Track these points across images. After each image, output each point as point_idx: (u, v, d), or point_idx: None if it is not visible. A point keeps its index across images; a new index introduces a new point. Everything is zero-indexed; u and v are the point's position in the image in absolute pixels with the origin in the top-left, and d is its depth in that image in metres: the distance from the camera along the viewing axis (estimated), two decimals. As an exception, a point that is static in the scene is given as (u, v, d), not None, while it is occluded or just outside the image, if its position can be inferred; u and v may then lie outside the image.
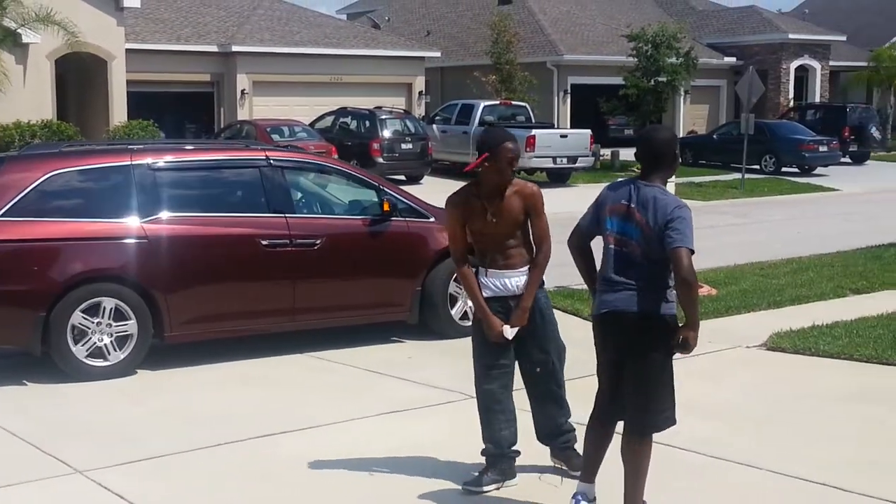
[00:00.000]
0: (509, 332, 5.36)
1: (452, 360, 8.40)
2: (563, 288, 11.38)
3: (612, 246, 4.79)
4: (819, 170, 29.64)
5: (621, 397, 4.82)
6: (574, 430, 5.64)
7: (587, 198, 19.01)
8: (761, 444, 6.13)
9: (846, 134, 32.22)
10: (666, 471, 5.35)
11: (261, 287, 8.39)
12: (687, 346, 4.68)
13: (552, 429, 5.64)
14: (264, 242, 8.30)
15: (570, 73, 34.80)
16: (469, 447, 6.14)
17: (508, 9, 35.81)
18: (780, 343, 8.64)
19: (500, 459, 5.49)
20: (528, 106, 28.71)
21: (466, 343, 8.90)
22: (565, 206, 21.95)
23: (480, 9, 39.06)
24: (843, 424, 6.56)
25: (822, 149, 29.53)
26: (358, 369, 8.09)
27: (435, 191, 21.86)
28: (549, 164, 25.48)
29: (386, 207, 8.84)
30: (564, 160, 25.40)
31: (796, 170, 29.64)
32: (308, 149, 18.42)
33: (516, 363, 5.57)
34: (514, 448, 5.53)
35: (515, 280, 5.36)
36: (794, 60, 38.68)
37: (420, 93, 32.09)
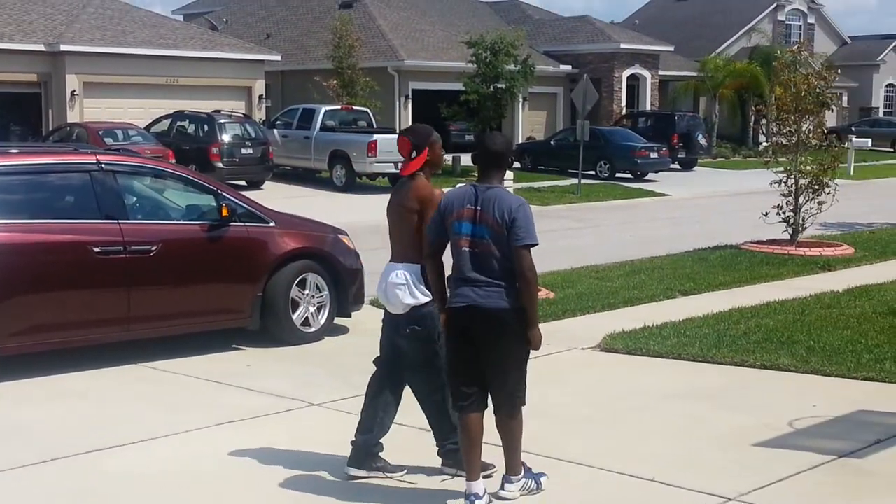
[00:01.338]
0: None
1: (293, 367, 8.34)
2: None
3: (465, 248, 5.07)
4: (650, 175, 30.77)
5: (482, 384, 5.17)
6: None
7: (428, 203, 18.49)
8: (592, 442, 6.32)
9: (675, 141, 33.56)
10: (500, 470, 5.44)
11: (93, 296, 8.10)
12: (530, 344, 5.09)
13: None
14: (96, 249, 8.03)
15: (410, 78, 35.02)
16: (309, 455, 6.11)
17: (349, 13, 35.76)
18: (614, 344, 8.94)
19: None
20: (369, 111, 28.73)
21: (308, 350, 8.94)
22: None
23: (321, 12, 38.84)
24: (669, 421, 6.83)
25: (653, 155, 30.66)
26: (195, 379, 7.92)
27: (276, 196, 21.69)
28: (390, 168, 25.53)
29: (225, 212, 8.68)
30: (406, 165, 25.50)
31: (629, 175, 30.69)
32: (143, 153, 17.87)
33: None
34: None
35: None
36: (626, 69, 40.06)
37: (260, 97, 31.65)
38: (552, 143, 32.84)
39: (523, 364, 5.21)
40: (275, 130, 27.71)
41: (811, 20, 52.84)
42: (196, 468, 5.89)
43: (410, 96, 35.07)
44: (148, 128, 25.65)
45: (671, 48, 42.13)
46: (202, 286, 8.68)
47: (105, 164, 8.44)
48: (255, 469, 5.88)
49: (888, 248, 15.41)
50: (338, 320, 9.55)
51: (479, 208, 5.03)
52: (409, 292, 5.46)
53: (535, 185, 26.82)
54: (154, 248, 8.30)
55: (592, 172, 30.00)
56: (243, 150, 24.85)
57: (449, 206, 5.14)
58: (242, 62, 31.30)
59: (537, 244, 5.01)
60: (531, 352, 5.19)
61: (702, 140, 35.52)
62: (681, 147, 33.98)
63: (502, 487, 5.35)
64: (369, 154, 24.97)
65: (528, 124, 38.65)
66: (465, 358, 5.18)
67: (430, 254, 5.29)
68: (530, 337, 5.08)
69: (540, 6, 48.22)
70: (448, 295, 5.23)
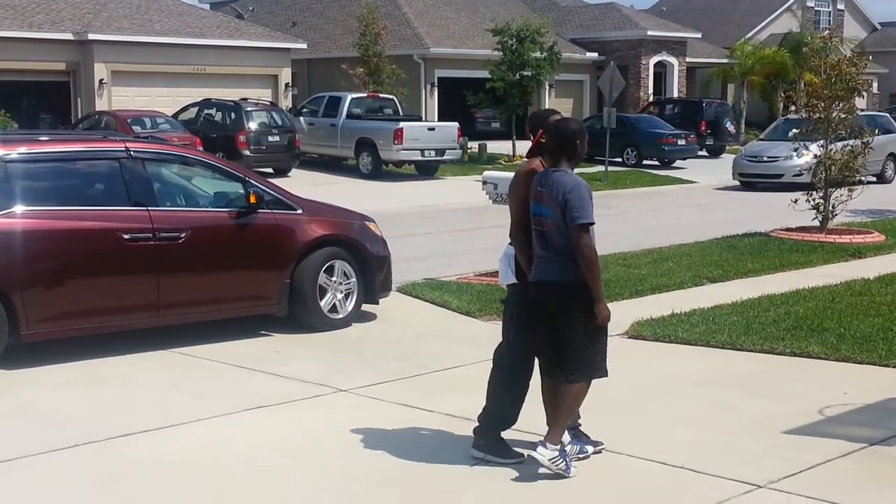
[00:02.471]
0: None
1: (321, 353, 8.36)
2: (431, 280, 11.47)
3: (533, 227, 5.50)
4: (678, 163, 30.61)
5: (548, 353, 5.56)
6: None
7: (454, 190, 19.41)
8: (623, 429, 6.30)
9: (703, 128, 33.36)
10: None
11: (123, 282, 8.15)
12: (597, 319, 5.37)
13: None
14: (126, 236, 8.07)
15: (436, 66, 34.98)
16: (338, 440, 6.13)
17: (375, 1, 35.73)
18: (642, 331, 8.90)
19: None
20: (395, 99, 28.74)
21: (335, 336, 8.96)
22: (432, 199, 22.15)
23: (347, 1, 38.83)
24: (699, 409, 6.79)
25: (681, 142, 30.51)
26: (224, 364, 7.96)
27: (303, 183, 21.74)
28: (417, 156, 25.59)
29: (252, 199, 8.71)
30: (432, 153, 25.56)
31: (656, 163, 30.52)
32: (171, 140, 17.99)
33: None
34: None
35: None
36: (653, 56, 39.82)
37: (286, 85, 31.72)
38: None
39: (587, 338, 5.41)
40: (301, 118, 27.78)
41: (840, 6, 52.27)
42: (224, 453, 5.92)
43: (436, 84, 35.03)
44: (175, 116, 25.78)
45: (698, 35, 41.82)
46: (230, 273, 8.71)
47: (134, 151, 8.48)
48: (284, 454, 5.91)
49: (919, 235, 15.24)
50: (365, 307, 9.57)
51: (543, 190, 5.40)
52: (502, 272, 5.85)
53: (562, 172, 26.69)
54: (183, 235, 8.34)
55: (619, 160, 29.87)
56: (270, 138, 24.92)
57: (532, 188, 5.52)
58: (268, 50, 31.37)
59: (593, 223, 5.29)
60: (608, 318, 5.40)
61: (730, 127, 35.30)
62: (708, 134, 33.79)
63: (535, 449, 5.51)
64: (395, 141, 24.98)
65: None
66: (538, 328, 5.54)
67: (512, 232, 5.69)
68: (596, 312, 5.35)
69: (566, -7, 47.83)
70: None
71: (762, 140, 26.08)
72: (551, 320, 5.45)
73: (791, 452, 5.84)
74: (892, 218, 17.80)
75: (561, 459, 5.46)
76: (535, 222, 5.47)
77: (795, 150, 15.38)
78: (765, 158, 24.19)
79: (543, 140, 5.59)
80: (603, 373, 5.56)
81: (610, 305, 5.65)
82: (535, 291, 5.50)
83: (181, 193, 8.97)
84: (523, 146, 30.16)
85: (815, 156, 14.82)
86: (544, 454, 5.43)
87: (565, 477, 5.43)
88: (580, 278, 5.32)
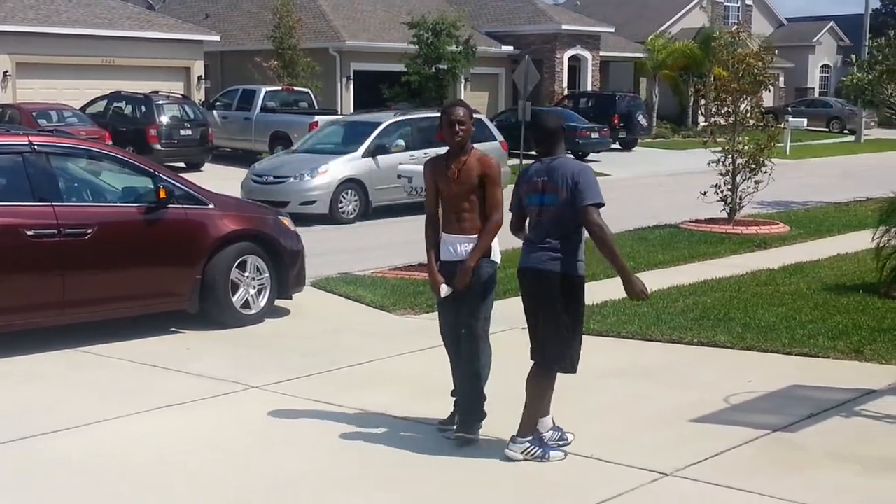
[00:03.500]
0: (444, 290, 5.85)
1: (233, 349, 8.28)
2: (345, 274, 11.43)
3: (536, 217, 5.58)
4: (592, 155, 30.95)
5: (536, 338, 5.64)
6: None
7: (368, 184, 18.20)
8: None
9: (615, 121, 33.78)
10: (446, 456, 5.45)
11: (27, 280, 7.96)
12: (632, 296, 5.53)
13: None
14: (29, 232, 7.88)
15: (352, 59, 34.78)
16: (248, 437, 6.08)
17: (289, -8, 35.39)
18: (554, 323, 8.97)
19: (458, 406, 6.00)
20: (310, 92, 28.52)
21: (248, 332, 8.87)
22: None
23: (261, -8, 38.38)
24: (608, 399, 6.90)
25: (595, 135, 30.84)
26: (132, 363, 7.82)
27: (216, 178, 21.42)
28: (332, 150, 25.40)
29: (162, 195, 8.58)
30: (348, 146, 25.37)
31: (570, 155, 30.78)
32: (78, 134, 17.57)
33: None
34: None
35: (464, 246, 5.84)
36: (568, 50, 40.18)
37: (199, 77, 31.21)
38: (494, 123, 32.85)
39: (564, 331, 5.54)
40: (214, 112, 27.41)
41: (749, 2, 53.44)
42: (133, 453, 5.82)
43: (352, 77, 34.84)
44: (83, 109, 25.16)
45: (612, 29, 42.33)
46: (139, 269, 8.56)
47: (38, 145, 8.28)
48: (193, 453, 5.84)
49: (822, 226, 15.70)
50: (279, 302, 9.49)
51: (544, 179, 5.53)
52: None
53: (478, 165, 26.80)
54: (89, 231, 8.17)
55: (534, 153, 30.08)
56: (182, 132, 24.55)
57: (519, 184, 5.72)
58: (181, 42, 30.83)
59: (604, 204, 5.42)
60: (644, 291, 5.54)
61: (642, 120, 35.83)
62: (621, 127, 34.22)
63: (508, 446, 5.63)
64: (310, 135, 24.77)
65: (470, 105, 38.59)
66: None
67: (515, 226, 5.88)
68: (627, 291, 5.47)
69: (481, -13, 48.00)
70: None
71: (294, 152, 19.28)
72: (536, 308, 5.59)
73: (697, 440, 5.97)
74: (797, 209, 18.31)
75: (535, 447, 5.59)
76: (535, 212, 5.58)
77: (705, 143, 15.60)
78: (271, 179, 17.51)
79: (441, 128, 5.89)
80: (571, 368, 5.66)
81: (521, 298, 5.73)
82: (527, 277, 5.62)
83: (88, 188, 8.78)
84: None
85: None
86: (514, 450, 5.60)
87: (546, 461, 5.58)
88: (573, 270, 5.49)
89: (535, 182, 5.57)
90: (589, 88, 40.31)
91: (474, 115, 6.04)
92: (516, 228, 5.83)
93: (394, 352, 8.17)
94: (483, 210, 5.85)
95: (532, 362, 5.72)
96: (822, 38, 56.23)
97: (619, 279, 5.52)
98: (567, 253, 5.49)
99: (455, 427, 5.95)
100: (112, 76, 28.26)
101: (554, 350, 5.58)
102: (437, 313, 6.16)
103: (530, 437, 5.62)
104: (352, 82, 34.79)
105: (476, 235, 5.84)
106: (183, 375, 7.48)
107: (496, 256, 6.00)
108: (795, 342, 8.15)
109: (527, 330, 5.80)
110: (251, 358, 8.00)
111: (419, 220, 6.18)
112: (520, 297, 5.86)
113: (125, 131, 23.85)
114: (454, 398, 6.10)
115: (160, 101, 24.92)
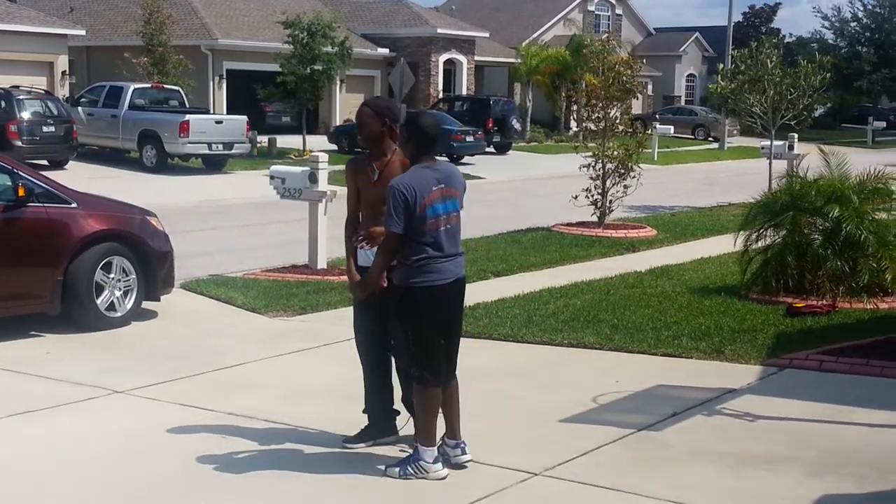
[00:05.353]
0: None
1: (97, 353, 8.02)
2: (217, 276, 11.21)
3: (442, 228, 5.32)
4: (466, 158, 31.20)
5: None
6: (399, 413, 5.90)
7: (243, 185, 19.05)
8: (399, 421, 6.31)
9: (490, 125, 34.15)
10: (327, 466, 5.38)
11: None
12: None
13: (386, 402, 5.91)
14: None
15: (225, 57, 34.24)
16: (109, 445, 5.89)
17: (160, -12, 34.58)
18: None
19: (371, 419, 5.85)
20: (181, 90, 27.90)
21: (113, 335, 8.60)
22: (220, 194, 21.64)
23: (130, -14, 37.38)
24: (478, 400, 6.88)
25: (469, 139, 31.11)
26: (-11, 368, 7.48)
27: (82, 176, 20.76)
28: (204, 150, 24.95)
29: (21, 193, 8.25)
30: (220, 146, 24.98)
31: (445, 158, 31.00)
32: (-67, 129, 16.78)
33: None
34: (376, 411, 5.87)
35: None
36: (443, 54, 40.46)
37: (63, 72, 30.22)
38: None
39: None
40: (79, 108, 26.55)
41: (619, 11, 54.84)
42: (-12, 462, 5.57)
43: (225, 76, 34.30)
44: (-61, 103, 24.06)
45: (486, 34, 42.82)
46: (-4, 270, 8.21)
47: None
48: (48, 462, 5.61)
49: (687, 229, 16.20)
50: (146, 304, 9.24)
51: (444, 186, 5.33)
52: None
53: (353, 167, 26.71)
54: (-58, 230, 7.79)
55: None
56: (44, 128, 23.70)
57: (416, 197, 5.21)
58: (43, 36, 29.79)
59: None
60: None
61: (516, 125, 36.32)
62: (496, 131, 34.61)
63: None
64: (181, 135, 24.28)
65: (345, 107, 38.44)
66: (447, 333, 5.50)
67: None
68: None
69: (357, -12, 47.93)
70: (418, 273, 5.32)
71: None
72: (456, 320, 5.55)
73: (566, 440, 6.06)
74: (664, 213, 18.85)
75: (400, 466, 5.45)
76: (443, 221, 5.31)
77: (576, 148, 15.89)
78: None
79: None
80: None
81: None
82: (455, 288, 5.43)
83: (-60, 186, 8.38)
84: (314, 141, 30.04)
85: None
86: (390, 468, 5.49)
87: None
88: None
89: (440, 189, 5.31)
90: (464, 92, 40.68)
91: (391, 114, 5.66)
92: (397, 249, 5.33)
93: (265, 354, 8.04)
94: None
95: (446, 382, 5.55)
96: (688, 48, 58.12)
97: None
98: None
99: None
100: (-30, 69, 27.12)
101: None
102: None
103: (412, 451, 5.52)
104: (224, 81, 34.24)
105: None
106: (43, 380, 7.19)
107: None
108: (661, 343, 8.37)
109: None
110: (116, 362, 7.76)
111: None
112: None
113: (-17, 127, 22.89)
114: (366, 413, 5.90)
115: (21, 97, 24.02)
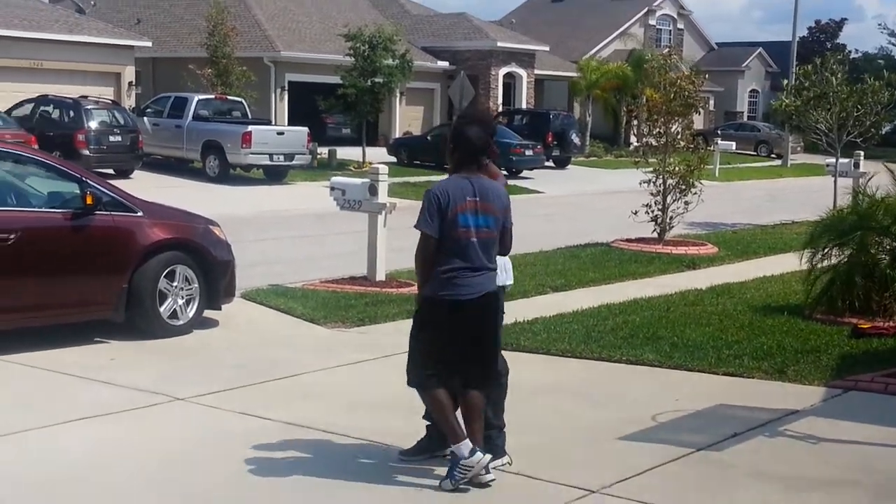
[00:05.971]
0: None
1: (159, 360, 8.13)
2: (276, 286, 11.32)
3: (473, 239, 5.31)
4: (525, 173, 31.17)
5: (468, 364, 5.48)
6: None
7: (303, 196, 19.25)
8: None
9: (549, 139, 34.08)
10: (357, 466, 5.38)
11: (-55, 286, 7.73)
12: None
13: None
14: (-51, 237, 7.65)
15: (287, 69, 34.63)
16: (171, 451, 5.96)
17: (223, 1, 35.11)
18: (485, 338, 8.98)
19: (429, 430, 5.81)
20: (244, 101, 28.28)
21: (175, 343, 8.72)
22: (281, 204, 21.88)
23: (195, -1, 38.04)
24: (537, 416, 6.89)
25: (528, 153, 31.09)
26: (54, 373, 7.63)
27: (146, 185, 21.11)
28: (265, 160, 25.25)
29: (89, 201, 8.41)
30: (281, 157, 25.25)
31: (505, 172, 30.94)
32: (3, 137, 17.19)
33: None
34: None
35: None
36: (503, 67, 40.50)
37: (130, 83, 30.78)
38: (429, 138, 32.89)
39: (500, 340, 5.75)
40: (145, 118, 27.03)
41: (681, 26, 54.48)
42: (54, 465, 5.67)
43: (287, 88, 34.68)
44: (9, 112, 24.61)
45: (546, 48, 42.79)
46: (64, 276, 8.38)
47: (-40, 148, 8.05)
48: (115, 466, 5.70)
49: (749, 247, 16.00)
50: (208, 313, 9.36)
51: (477, 199, 5.31)
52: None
53: (411, 179, 26.80)
54: (12, 237, 7.97)
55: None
56: (111, 138, 24.13)
57: (447, 204, 5.28)
58: (111, 47, 30.38)
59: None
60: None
61: (575, 139, 36.21)
62: (555, 145, 34.54)
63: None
64: (244, 145, 24.59)
65: (405, 119, 38.69)
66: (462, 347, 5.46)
67: (433, 252, 5.38)
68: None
69: (418, 2, 48.22)
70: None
71: None
72: (482, 332, 5.50)
73: (623, 458, 6.01)
74: (725, 231, 18.64)
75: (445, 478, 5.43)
76: (473, 234, 5.29)
77: (636, 163, 15.79)
78: None
79: None
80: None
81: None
82: (484, 301, 5.41)
83: (12, 192, 8.55)
84: (373, 153, 30.22)
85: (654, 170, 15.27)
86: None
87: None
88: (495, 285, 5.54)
89: (473, 202, 5.31)
90: (523, 106, 40.65)
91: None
92: (432, 254, 5.35)
93: (324, 365, 8.10)
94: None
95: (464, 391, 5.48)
96: (751, 64, 57.50)
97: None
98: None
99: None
100: (40, 79, 27.74)
101: (496, 364, 5.65)
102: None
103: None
104: (286, 93, 34.62)
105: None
106: (107, 386, 7.31)
107: (505, 279, 5.82)
108: (722, 362, 8.27)
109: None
110: (178, 369, 7.87)
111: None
112: None
113: (52, 136, 23.37)
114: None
115: (89, 106, 24.50)
